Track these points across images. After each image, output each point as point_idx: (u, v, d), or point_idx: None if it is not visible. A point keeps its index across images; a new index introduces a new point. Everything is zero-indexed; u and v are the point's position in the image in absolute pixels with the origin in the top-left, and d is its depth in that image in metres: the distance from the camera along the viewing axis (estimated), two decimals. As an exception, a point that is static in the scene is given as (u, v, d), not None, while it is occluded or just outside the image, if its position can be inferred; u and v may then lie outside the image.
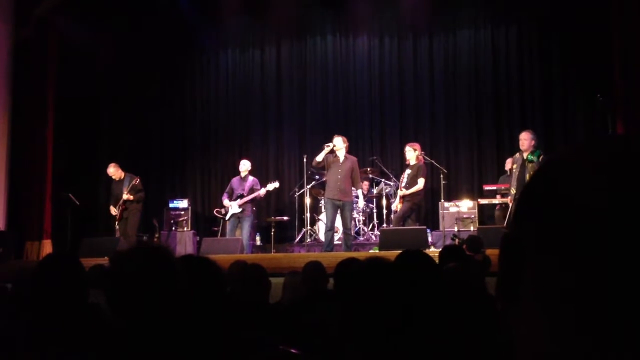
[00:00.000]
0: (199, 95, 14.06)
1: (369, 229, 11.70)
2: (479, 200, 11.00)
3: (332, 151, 9.95)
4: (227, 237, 10.99)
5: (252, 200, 11.10)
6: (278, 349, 2.25)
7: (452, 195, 11.82)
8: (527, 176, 8.58)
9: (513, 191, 9.12)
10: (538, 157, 8.75)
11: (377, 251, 9.47)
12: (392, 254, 4.13)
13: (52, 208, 11.92)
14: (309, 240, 11.24)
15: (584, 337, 0.55)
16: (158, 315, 1.91)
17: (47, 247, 11.57)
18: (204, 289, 2.38)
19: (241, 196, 11.00)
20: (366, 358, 2.03)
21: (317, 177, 11.54)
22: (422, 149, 10.68)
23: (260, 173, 12.60)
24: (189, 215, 12.13)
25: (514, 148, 9.99)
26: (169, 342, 1.89)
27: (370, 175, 12.09)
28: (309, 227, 11.34)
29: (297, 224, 11.94)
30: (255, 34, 13.84)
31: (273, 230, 11.53)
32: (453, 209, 10.88)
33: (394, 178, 11.45)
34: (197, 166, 13.86)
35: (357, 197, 10.78)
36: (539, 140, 9.43)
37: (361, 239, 11.43)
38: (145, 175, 11.84)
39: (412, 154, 10.28)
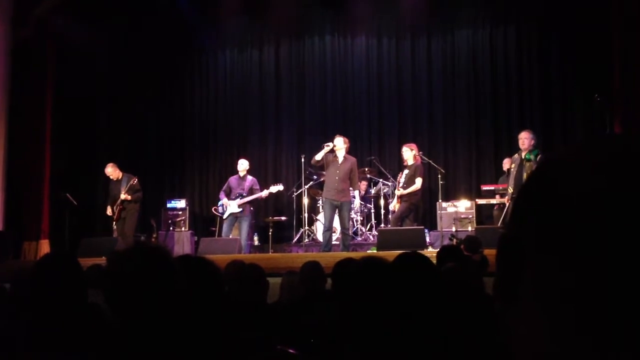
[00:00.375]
0: (197, 95, 14.05)
1: (367, 229, 11.70)
2: (476, 200, 11.02)
3: (331, 151, 9.94)
4: (223, 235, 10.97)
5: (251, 201, 11.09)
6: (276, 349, 2.25)
7: (450, 195, 11.83)
8: (525, 175, 8.58)
9: (510, 191, 9.12)
10: (536, 157, 8.76)
11: (375, 251, 9.47)
12: (390, 254, 4.13)
13: (50, 208, 11.90)
14: (306, 240, 11.24)
15: (584, 337, 0.55)
16: (156, 315, 1.91)
17: (45, 247, 11.55)
18: (201, 289, 2.38)
19: (241, 196, 10.98)
20: (364, 358, 2.03)
21: (315, 177, 11.54)
22: (420, 149, 10.68)
23: (259, 173, 12.61)
24: (187, 215, 12.13)
25: (513, 148, 10.00)
26: (167, 342, 1.89)
27: (368, 175, 12.09)
28: (306, 227, 11.34)
29: (295, 224, 11.94)
30: (254, 34, 13.84)
31: (271, 230, 11.53)
32: (451, 209, 10.89)
33: (391, 178, 11.45)
34: (195, 166, 13.86)
35: (354, 197, 10.78)
36: (538, 140, 9.44)
37: (359, 239, 11.43)
38: (143, 175, 11.83)
39: (409, 154, 10.28)
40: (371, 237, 11.33)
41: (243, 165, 11.25)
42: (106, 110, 13.78)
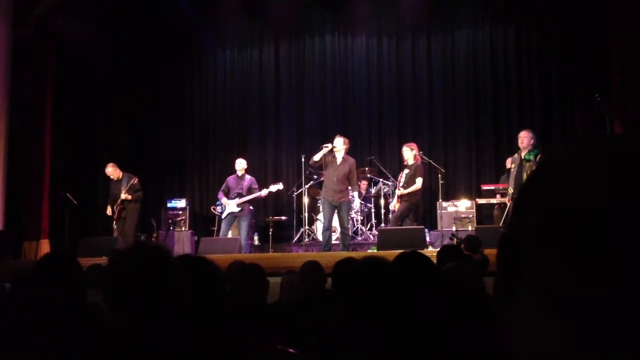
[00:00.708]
0: (197, 95, 14.05)
1: (367, 228, 11.70)
2: (477, 200, 11.02)
3: (330, 151, 9.93)
4: (222, 235, 10.96)
5: (250, 200, 11.08)
6: (276, 349, 2.25)
7: (450, 195, 11.83)
8: (525, 175, 8.59)
9: (511, 191, 9.13)
10: (535, 157, 8.76)
11: (375, 251, 9.47)
12: (391, 253, 4.13)
13: (50, 208, 11.90)
14: (307, 240, 11.24)
15: (584, 337, 0.55)
16: (156, 315, 1.91)
17: (45, 246, 11.55)
18: (201, 288, 2.38)
19: (240, 195, 10.97)
20: (364, 358, 2.03)
21: (315, 176, 11.54)
22: (420, 148, 10.68)
23: (259, 173, 12.61)
24: (187, 215, 12.13)
25: (513, 148, 10.00)
26: (167, 342, 1.89)
27: (369, 175, 12.09)
28: (307, 227, 11.34)
29: (295, 223, 11.95)
30: (254, 34, 13.84)
31: (271, 229, 11.52)
32: (451, 209, 10.89)
33: (392, 178, 11.45)
34: (195, 166, 13.85)
35: (352, 197, 10.77)
36: (537, 140, 9.44)
37: (359, 238, 11.43)
38: (143, 175, 11.83)
39: (409, 153, 10.28)
40: (371, 236, 11.33)
41: (241, 164, 11.23)
42: (106, 110, 13.77)
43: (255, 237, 12.30)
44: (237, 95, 13.87)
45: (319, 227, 11.38)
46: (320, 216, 11.25)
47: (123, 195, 10.94)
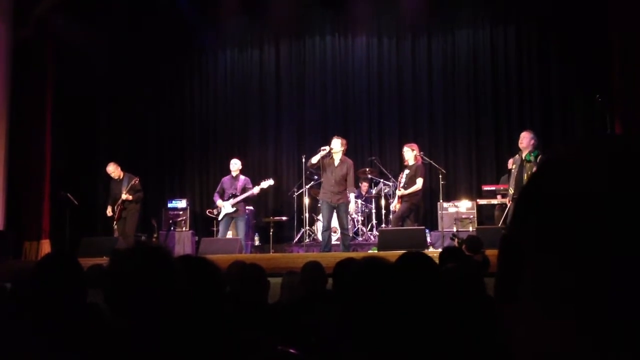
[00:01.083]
0: (197, 95, 14.06)
1: (368, 229, 11.70)
2: (477, 200, 11.02)
3: (328, 153, 9.92)
4: (220, 237, 10.95)
5: (245, 200, 11.06)
6: (276, 349, 2.25)
7: (451, 195, 11.83)
8: (525, 176, 8.59)
9: (511, 191, 9.12)
10: (536, 157, 8.76)
11: (375, 251, 9.46)
12: (391, 254, 4.14)
13: (50, 208, 11.90)
14: (307, 240, 11.24)
15: (584, 337, 0.55)
16: (157, 315, 1.91)
17: (46, 247, 11.55)
18: (202, 289, 2.37)
19: (234, 196, 10.94)
20: (365, 358, 2.03)
21: (315, 177, 11.53)
22: (421, 149, 10.67)
23: (259, 173, 12.61)
24: (188, 215, 12.12)
25: (513, 148, 10.00)
26: (168, 342, 1.89)
27: (369, 176, 12.08)
28: (307, 227, 11.34)
29: (295, 224, 11.94)
30: (254, 34, 13.84)
31: (272, 230, 11.51)
32: (452, 209, 10.88)
33: (392, 178, 11.45)
34: (195, 166, 13.86)
35: (354, 195, 10.76)
36: (538, 141, 9.43)
37: (360, 239, 11.43)
38: (143, 175, 11.83)
39: (410, 154, 10.28)
40: (372, 237, 11.33)
41: (236, 165, 11.19)
42: (106, 110, 13.78)
43: (256, 238, 12.30)
44: (237, 96, 13.87)
45: (319, 227, 11.36)
46: (321, 217, 11.25)
47: (124, 196, 10.94)
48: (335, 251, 9.88)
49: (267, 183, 11.04)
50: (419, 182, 10.10)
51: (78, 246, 10.11)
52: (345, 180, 9.85)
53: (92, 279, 3.52)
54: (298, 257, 9.08)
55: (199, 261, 2.60)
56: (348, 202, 10.09)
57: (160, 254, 2.02)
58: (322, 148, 9.96)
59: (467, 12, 12.85)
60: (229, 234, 11.05)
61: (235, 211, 10.91)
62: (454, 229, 10.21)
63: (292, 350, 2.24)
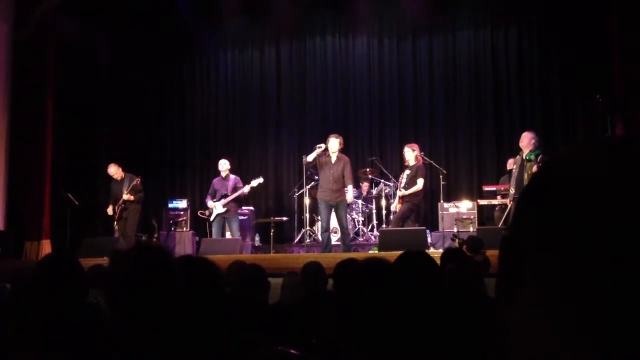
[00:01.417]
0: (197, 95, 14.06)
1: (369, 229, 11.70)
2: (478, 201, 11.01)
3: (325, 151, 9.92)
4: (213, 237, 10.94)
5: (236, 199, 11.04)
6: (277, 349, 2.25)
7: (452, 196, 11.83)
8: (526, 176, 8.59)
9: (512, 192, 9.11)
10: (536, 157, 8.74)
11: (376, 252, 9.46)
12: (392, 254, 4.13)
13: (51, 208, 11.89)
14: (308, 240, 11.24)
15: (584, 337, 0.55)
16: (157, 316, 1.91)
17: (46, 247, 11.54)
18: (203, 289, 2.38)
19: (225, 196, 10.94)
20: (365, 358, 2.03)
21: (316, 177, 11.52)
22: (422, 149, 10.67)
23: (260, 173, 12.58)
24: (188, 216, 12.12)
25: (514, 148, 9.99)
26: (169, 342, 1.89)
27: (370, 176, 12.08)
28: (308, 228, 11.33)
29: (296, 224, 11.94)
30: (255, 35, 13.84)
31: (272, 230, 11.51)
32: (452, 210, 10.87)
33: (393, 179, 11.45)
34: (196, 166, 13.86)
35: (347, 190, 10.68)
36: (540, 141, 9.42)
37: (360, 239, 11.43)
38: (144, 175, 11.82)
39: (411, 154, 10.27)
40: (372, 237, 11.33)
41: (225, 165, 11.17)
42: (107, 110, 13.78)
43: (257, 238, 12.29)
44: (238, 96, 13.87)
45: (320, 227, 11.37)
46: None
47: (125, 196, 10.95)
48: (335, 251, 9.88)
49: (257, 181, 11.01)
50: (420, 182, 10.10)
51: (79, 246, 10.12)
52: (343, 177, 9.84)
53: (93, 280, 3.52)
54: (298, 257, 9.08)
55: (199, 261, 2.60)
56: (346, 200, 10.04)
57: (160, 255, 2.02)
58: (318, 145, 9.96)
59: (467, 13, 12.85)
60: (227, 235, 11.05)
61: (226, 211, 10.90)
62: (455, 230, 10.21)
63: (292, 351, 2.24)
